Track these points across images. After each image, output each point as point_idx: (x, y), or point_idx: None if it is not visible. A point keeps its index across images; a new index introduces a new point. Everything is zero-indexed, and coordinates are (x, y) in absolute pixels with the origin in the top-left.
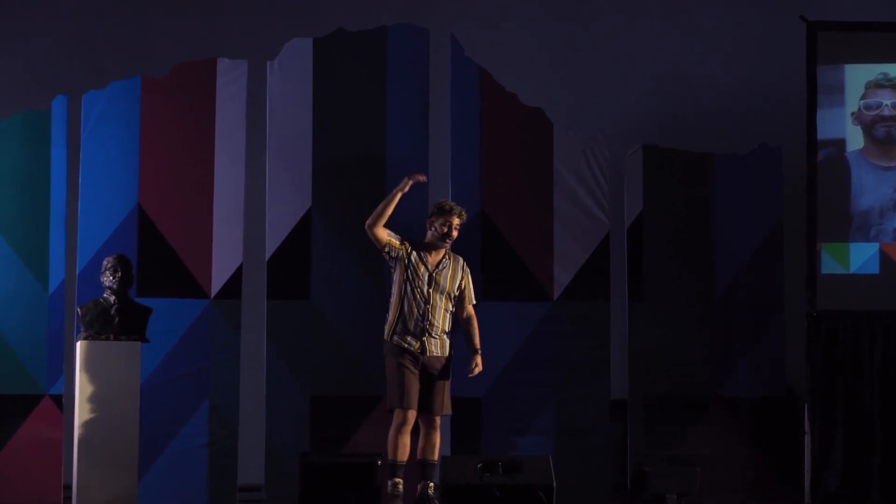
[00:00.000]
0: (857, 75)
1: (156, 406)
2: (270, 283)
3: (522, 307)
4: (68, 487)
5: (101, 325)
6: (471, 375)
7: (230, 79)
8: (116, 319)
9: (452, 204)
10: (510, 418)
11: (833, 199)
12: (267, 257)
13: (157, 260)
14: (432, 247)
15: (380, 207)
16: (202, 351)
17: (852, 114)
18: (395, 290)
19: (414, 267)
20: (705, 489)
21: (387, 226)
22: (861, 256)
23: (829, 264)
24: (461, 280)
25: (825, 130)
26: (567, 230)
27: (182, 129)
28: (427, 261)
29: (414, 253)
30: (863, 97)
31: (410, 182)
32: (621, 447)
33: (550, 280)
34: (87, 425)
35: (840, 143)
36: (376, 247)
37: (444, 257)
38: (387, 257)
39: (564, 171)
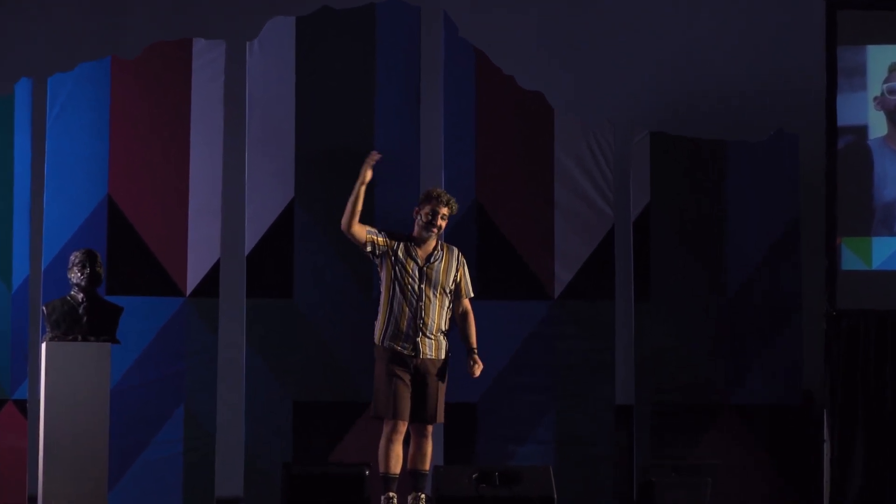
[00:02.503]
0: (880, 57)
1: (127, 412)
2: (250, 281)
3: (521, 306)
4: (33, 499)
5: (69, 325)
6: (474, 376)
7: (207, 60)
8: (85, 319)
9: (441, 191)
10: (508, 425)
11: (854, 189)
12: (246, 252)
13: (129, 255)
14: (421, 239)
15: (349, 206)
16: (177, 353)
17: (875, 98)
18: (383, 289)
19: (402, 262)
20: (716, 501)
21: (373, 222)
22: (884, 252)
23: (849, 260)
24: (456, 272)
25: (846, 116)
26: (568, 224)
27: (155, 115)
28: (416, 254)
29: (401, 247)
30: (886, 80)
31: (369, 169)
32: (626, 456)
33: (551, 277)
34: (53, 432)
35: (862, 130)
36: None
37: (435, 249)
38: (370, 256)
39: (566, 160)
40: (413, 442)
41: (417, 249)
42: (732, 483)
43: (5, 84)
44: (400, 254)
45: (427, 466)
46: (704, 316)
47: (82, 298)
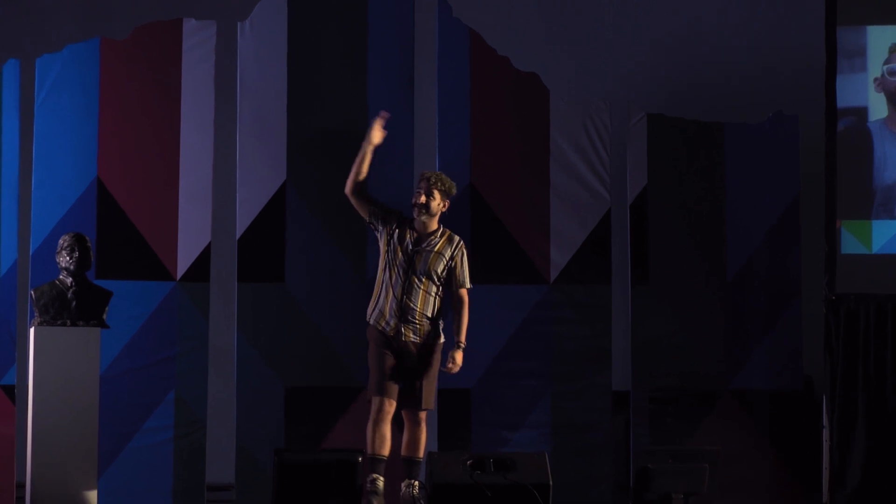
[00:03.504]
0: (881, 38)
1: (117, 398)
2: (241, 265)
3: (515, 291)
4: (21, 486)
5: (57, 310)
6: (449, 372)
7: (197, 41)
8: (74, 303)
9: (431, 174)
10: (502, 412)
11: (854, 172)
12: (237, 236)
13: (118, 239)
14: (420, 223)
15: (354, 168)
16: (167, 338)
17: (875, 80)
18: (379, 269)
19: (394, 245)
20: (715, 488)
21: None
22: (885, 235)
23: (849, 244)
24: (451, 261)
25: (846, 98)
26: (564, 206)
27: (145, 97)
28: (409, 238)
29: (398, 230)
30: (887, 62)
31: (378, 129)
32: (623, 443)
33: (546, 261)
34: (41, 419)
35: (862, 112)
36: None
37: (432, 235)
38: (371, 227)
39: (562, 142)
40: (406, 429)
41: (414, 233)
42: (731, 469)
43: None
44: (395, 236)
45: (421, 454)
46: (703, 300)
47: (71, 283)
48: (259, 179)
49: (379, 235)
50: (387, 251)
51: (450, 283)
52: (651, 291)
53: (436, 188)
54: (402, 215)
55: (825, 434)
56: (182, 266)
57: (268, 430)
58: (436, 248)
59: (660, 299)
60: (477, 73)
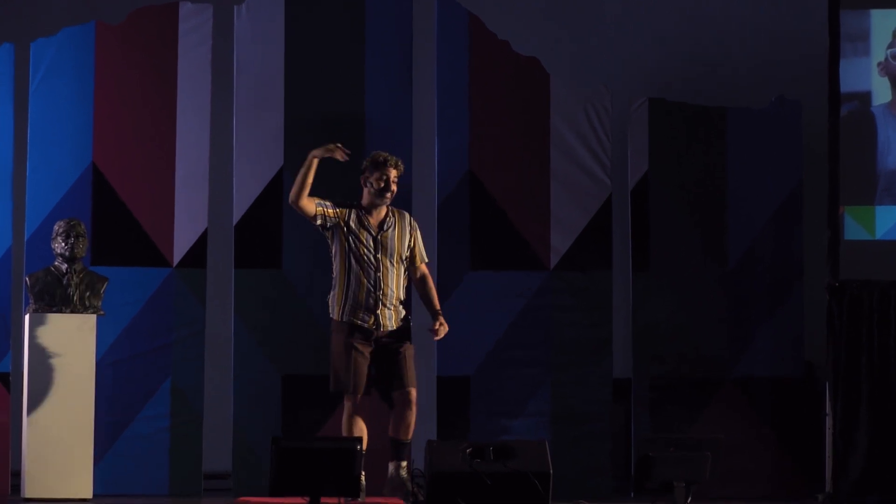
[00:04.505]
0: (884, 21)
1: (113, 385)
2: (238, 251)
3: (515, 277)
4: (17, 474)
5: (52, 297)
6: (437, 338)
7: (193, 25)
8: (69, 290)
9: (386, 154)
10: (502, 400)
11: (857, 157)
12: (234, 222)
13: (114, 224)
14: (372, 206)
15: (299, 178)
16: (164, 325)
17: (879, 64)
18: (337, 262)
19: (355, 233)
20: (717, 477)
21: (319, 194)
22: (888, 221)
23: (853, 229)
24: (410, 238)
25: (849, 82)
26: (565, 192)
27: (141, 81)
28: (369, 223)
29: (353, 217)
30: (890, 46)
31: (329, 154)
32: (624, 431)
33: (546, 248)
34: (37, 406)
35: (865, 97)
36: (309, 222)
37: (387, 216)
38: (321, 230)
39: (562, 128)
40: (396, 412)
41: (369, 218)
42: (733, 458)
43: None
44: (352, 224)
45: (409, 436)
46: (704, 287)
47: (66, 269)
48: (256, 164)
49: (329, 234)
50: (346, 242)
51: (412, 260)
52: (652, 278)
53: (398, 171)
54: (346, 202)
55: (828, 422)
56: (179, 252)
57: (265, 418)
58: (396, 229)
59: (661, 286)
60: (476, 57)
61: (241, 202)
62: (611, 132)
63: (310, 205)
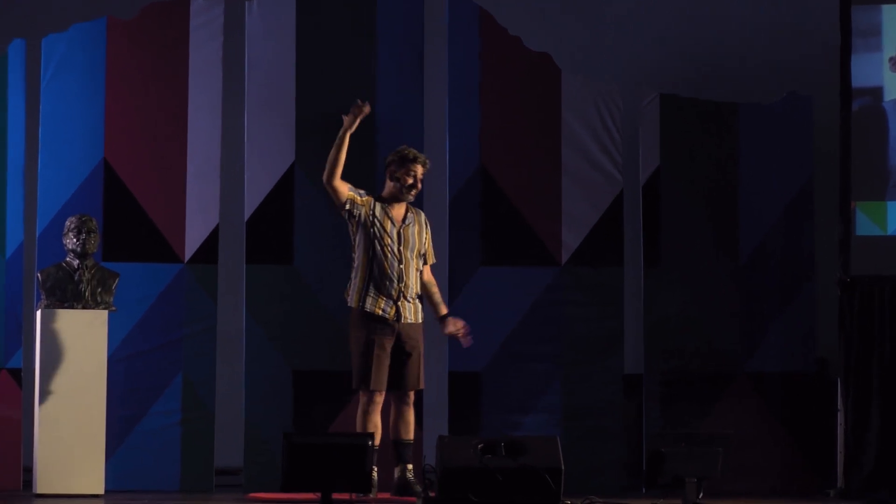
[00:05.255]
0: None
1: (124, 381)
2: (250, 246)
3: (526, 273)
4: (28, 470)
5: (64, 292)
6: (466, 343)
7: (204, 20)
8: (81, 286)
9: (415, 151)
10: (513, 395)
11: (869, 153)
12: (246, 218)
13: (125, 220)
14: (395, 200)
15: (332, 156)
16: (175, 320)
17: (890, 59)
18: (360, 252)
19: (381, 223)
20: (728, 472)
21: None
22: None
23: (864, 225)
24: (425, 236)
25: (860, 78)
26: (576, 188)
27: (152, 76)
28: (392, 216)
29: (377, 207)
30: None
31: (356, 117)
32: (635, 427)
33: (558, 243)
34: (48, 402)
35: (877, 92)
36: (335, 204)
37: (407, 211)
38: (346, 215)
39: (574, 123)
40: (395, 411)
41: (392, 211)
42: (745, 453)
43: None
44: (378, 214)
45: (411, 435)
46: (716, 282)
47: (78, 265)
48: (267, 160)
49: (353, 221)
50: (370, 230)
51: (424, 259)
52: (663, 273)
53: (426, 171)
54: (371, 193)
55: (839, 417)
56: (190, 248)
57: (276, 414)
58: (415, 225)
59: (672, 281)
60: (488, 52)
61: (253, 198)
62: (622, 128)
63: (342, 187)
